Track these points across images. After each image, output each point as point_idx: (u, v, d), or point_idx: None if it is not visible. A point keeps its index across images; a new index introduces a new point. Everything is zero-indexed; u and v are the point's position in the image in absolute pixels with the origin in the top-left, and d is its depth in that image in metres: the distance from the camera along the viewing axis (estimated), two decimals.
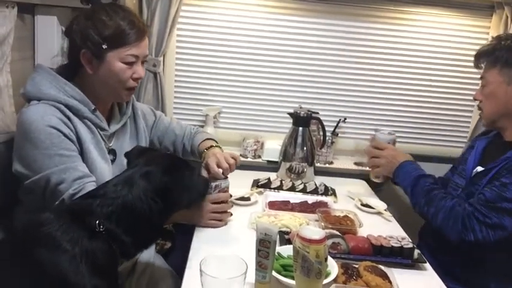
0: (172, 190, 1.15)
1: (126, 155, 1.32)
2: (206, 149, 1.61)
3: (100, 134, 1.39)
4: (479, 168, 1.57)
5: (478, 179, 1.55)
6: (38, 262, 0.98)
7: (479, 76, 1.65)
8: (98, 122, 1.38)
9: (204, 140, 1.67)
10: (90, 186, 1.25)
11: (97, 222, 1.04)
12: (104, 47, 1.30)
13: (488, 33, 2.32)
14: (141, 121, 1.59)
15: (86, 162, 1.33)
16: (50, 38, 1.74)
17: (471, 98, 1.63)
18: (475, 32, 2.35)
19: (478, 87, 1.66)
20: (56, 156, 1.25)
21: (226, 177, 1.52)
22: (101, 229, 1.04)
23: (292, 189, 1.90)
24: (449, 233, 1.47)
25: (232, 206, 1.58)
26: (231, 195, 1.60)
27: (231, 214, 1.55)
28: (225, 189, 1.52)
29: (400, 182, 1.69)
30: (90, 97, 1.36)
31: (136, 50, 1.34)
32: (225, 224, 1.52)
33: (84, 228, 1.03)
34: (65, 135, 1.28)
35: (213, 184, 1.48)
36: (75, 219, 1.04)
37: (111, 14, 1.33)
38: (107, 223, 1.05)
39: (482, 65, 1.62)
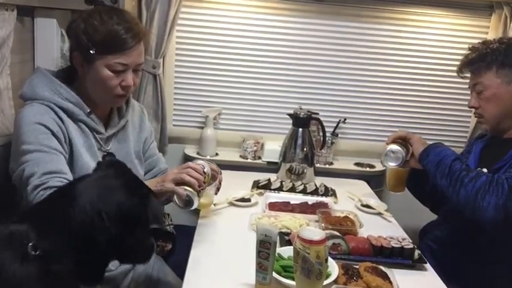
0: (133, 214, 1.00)
1: (98, 163, 1.18)
2: None
3: (95, 137, 1.39)
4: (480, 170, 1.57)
5: None
6: None
7: (468, 84, 1.63)
8: (93, 125, 1.38)
9: None
10: (57, 181, 1.19)
11: (30, 244, 0.90)
12: (92, 52, 1.29)
13: (487, 33, 2.33)
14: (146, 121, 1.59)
15: (76, 165, 1.32)
16: (50, 40, 1.74)
17: None
18: (475, 32, 2.35)
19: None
20: (35, 151, 1.23)
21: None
22: (37, 252, 0.89)
23: (293, 190, 1.89)
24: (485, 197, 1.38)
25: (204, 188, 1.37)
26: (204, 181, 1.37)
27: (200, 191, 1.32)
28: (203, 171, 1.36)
29: (435, 154, 1.59)
30: (86, 101, 1.36)
31: (125, 58, 1.31)
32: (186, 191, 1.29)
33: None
34: (52, 132, 1.27)
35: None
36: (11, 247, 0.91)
37: (104, 19, 1.30)
38: (44, 244, 0.91)
39: (467, 74, 1.62)
